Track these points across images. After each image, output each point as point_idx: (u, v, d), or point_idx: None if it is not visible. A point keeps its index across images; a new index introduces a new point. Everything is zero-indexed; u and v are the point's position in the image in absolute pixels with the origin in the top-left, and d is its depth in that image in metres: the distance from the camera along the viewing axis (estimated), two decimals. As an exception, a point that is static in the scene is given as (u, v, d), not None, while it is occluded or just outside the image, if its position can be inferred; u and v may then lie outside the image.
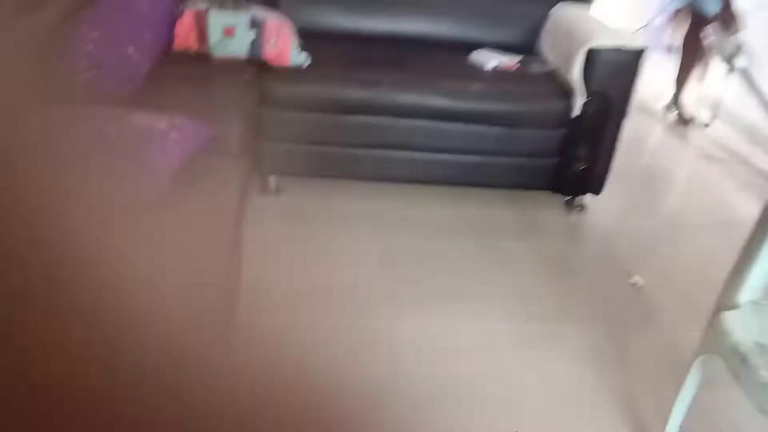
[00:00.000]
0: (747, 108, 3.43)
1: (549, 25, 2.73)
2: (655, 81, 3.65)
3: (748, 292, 1.26)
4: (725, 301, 1.29)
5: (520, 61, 2.60)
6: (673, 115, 3.67)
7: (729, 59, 3.08)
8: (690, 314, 2.04)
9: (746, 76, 3.13)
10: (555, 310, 2.00)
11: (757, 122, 3.35)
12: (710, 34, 3.19)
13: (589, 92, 2.33)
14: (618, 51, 2.28)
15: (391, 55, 2.54)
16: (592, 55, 2.30)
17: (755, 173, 3.09)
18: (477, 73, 2.50)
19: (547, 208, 2.58)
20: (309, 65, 2.31)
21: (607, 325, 1.96)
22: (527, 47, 2.80)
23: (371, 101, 2.32)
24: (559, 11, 2.71)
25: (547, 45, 2.71)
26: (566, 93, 2.38)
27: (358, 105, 2.31)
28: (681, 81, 3.67)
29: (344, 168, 2.46)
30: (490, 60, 2.56)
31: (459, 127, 2.39)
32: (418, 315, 1.92)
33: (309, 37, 2.39)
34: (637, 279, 2.16)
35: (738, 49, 3.05)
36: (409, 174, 2.49)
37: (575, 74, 2.32)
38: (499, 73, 2.52)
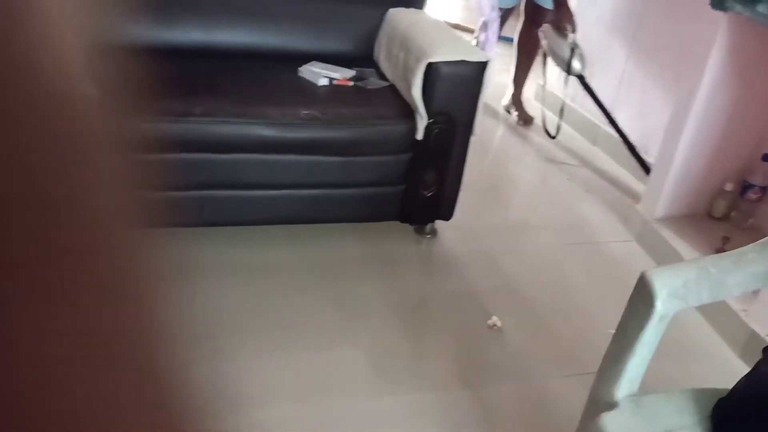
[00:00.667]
0: (587, 108, 3.43)
1: (383, 34, 2.47)
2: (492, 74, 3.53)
3: (626, 385, 1.07)
4: (601, 398, 1.10)
5: (354, 76, 2.32)
6: (514, 115, 3.59)
7: (565, 63, 3.01)
8: (553, 356, 1.89)
9: (582, 80, 3.09)
10: (413, 377, 1.75)
11: (597, 122, 3.35)
12: (545, 36, 3.11)
13: (432, 113, 2.10)
14: (459, 65, 2.07)
15: (204, 75, 2.14)
16: (431, 71, 2.07)
17: (598, 174, 3.07)
18: (307, 92, 2.18)
19: (398, 239, 2.34)
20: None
21: (471, 387, 1.75)
22: (363, 57, 2.52)
23: (181, 136, 1.92)
24: (393, 17, 2.46)
25: (382, 56, 2.45)
26: (408, 113, 2.13)
27: (166, 141, 1.90)
28: (519, 81, 3.60)
29: (162, 214, 2.03)
30: (321, 76, 2.25)
31: (291, 159, 2.06)
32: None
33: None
34: (495, 320, 1.98)
35: (573, 51, 2.98)
36: (240, 216, 2.13)
37: (415, 93, 2.08)
38: (332, 92, 2.22)
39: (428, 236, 2.38)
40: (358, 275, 2.14)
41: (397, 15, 2.46)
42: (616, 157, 3.18)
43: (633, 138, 3.09)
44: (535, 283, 2.22)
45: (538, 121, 3.54)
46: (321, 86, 2.23)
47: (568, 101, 3.60)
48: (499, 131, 3.48)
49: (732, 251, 1.13)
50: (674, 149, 2.31)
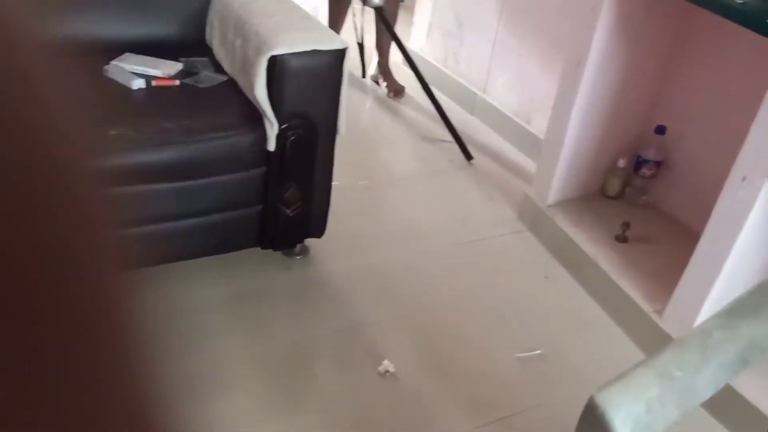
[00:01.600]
0: (460, 72, 3.12)
1: (214, 14, 1.98)
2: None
3: None
4: None
5: (181, 71, 1.84)
6: (383, 86, 3.22)
7: None
8: (457, 400, 1.60)
9: (381, 14, 2.72)
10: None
11: (474, 89, 3.06)
12: None
13: (284, 116, 1.68)
14: (311, 56, 1.65)
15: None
16: (277, 66, 1.64)
17: (480, 151, 2.79)
18: (117, 100, 1.68)
19: (262, 268, 1.93)
20: None
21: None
22: (192, 43, 2.03)
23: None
24: (225, -9, 1.98)
25: (216, 41, 1.98)
26: (255, 117, 1.70)
27: None
28: (382, 46, 3.22)
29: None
30: (135, 75, 1.75)
31: (118, 192, 1.58)
32: None
33: None
34: (387, 365, 1.65)
35: None
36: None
37: (259, 94, 1.65)
38: (152, 98, 1.73)
39: (298, 257, 1.99)
40: (214, 325, 1.72)
41: (229, -12, 1.97)
42: (498, 129, 2.91)
43: (512, 106, 2.83)
44: (428, 302, 1.91)
45: (409, 88, 3.20)
46: (136, 90, 1.73)
47: (440, 66, 3.28)
48: (367, 107, 3.10)
49: (691, 335, 0.84)
50: (564, 129, 2.05)
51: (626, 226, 2.02)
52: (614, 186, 2.21)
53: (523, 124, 2.76)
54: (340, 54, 1.69)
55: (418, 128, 2.93)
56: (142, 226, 1.65)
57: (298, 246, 1.97)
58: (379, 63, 3.22)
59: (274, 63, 1.63)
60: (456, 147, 2.73)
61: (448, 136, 2.81)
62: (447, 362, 1.72)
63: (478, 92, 3.02)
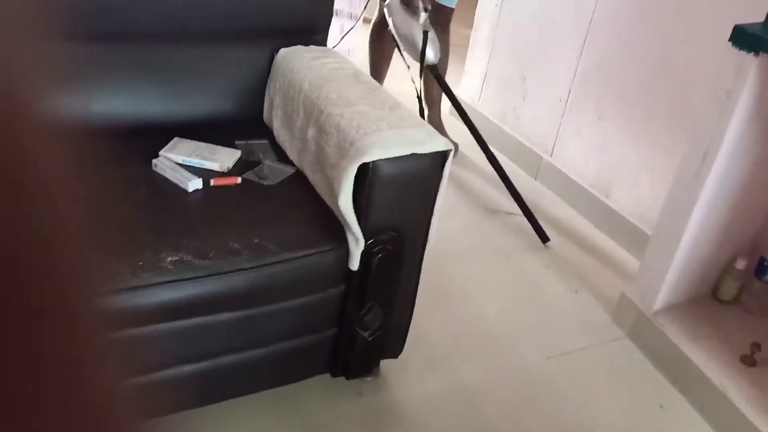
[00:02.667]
0: (523, 132, 2.81)
1: (274, 89, 1.68)
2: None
3: None
4: None
5: (240, 161, 1.54)
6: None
7: (418, 51, 2.30)
8: None
9: (436, 73, 2.43)
10: None
11: (538, 150, 2.76)
12: (389, 13, 2.41)
13: (370, 230, 1.37)
14: (408, 161, 1.35)
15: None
16: (366, 172, 1.33)
17: (552, 226, 2.48)
18: (171, 209, 1.37)
19: (329, 395, 1.62)
20: None
21: None
22: (247, 121, 1.74)
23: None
24: (286, 62, 1.67)
25: (277, 120, 1.67)
26: (334, 228, 1.39)
27: None
28: (432, 99, 2.92)
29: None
30: (191, 174, 1.44)
31: (165, 327, 1.27)
32: None
33: None
34: None
35: (426, 35, 2.30)
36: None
37: (343, 204, 1.34)
38: (211, 205, 1.42)
39: (369, 379, 1.68)
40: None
41: (292, 59, 1.67)
42: (568, 198, 2.61)
43: (588, 176, 2.53)
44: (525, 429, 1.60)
45: (454, 137, 2.90)
46: (192, 192, 1.43)
47: (496, 121, 2.98)
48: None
49: None
50: (682, 227, 1.75)
51: (756, 347, 1.71)
52: (730, 290, 1.91)
53: (601, 197, 2.45)
54: (442, 156, 1.38)
55: (478, 196, 2.62)
56: (192, 364, 1.34)
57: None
58: (429, 117, 2.92)
59: (364, 169, 1.32)
60: (525, 221, 2.43)
61: (515, 208, 2.51)
62: None
63: (543, 155, 2.72)
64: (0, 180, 0.17)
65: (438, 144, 1.36)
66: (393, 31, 2.39)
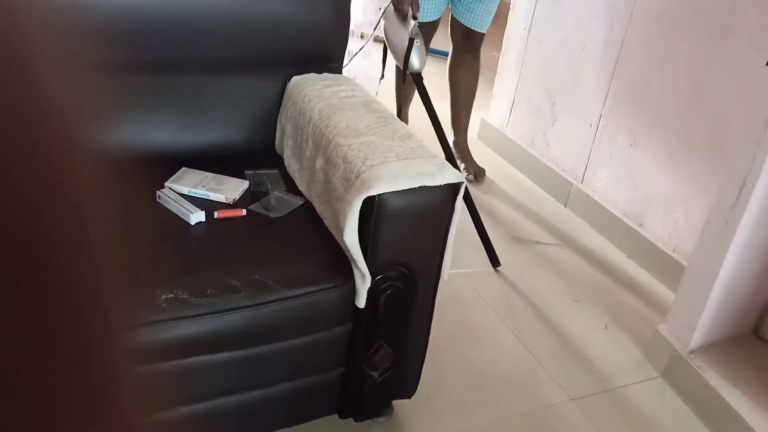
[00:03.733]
0: (552, 157, 2.71)
1: (285, 117, 1.64)
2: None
3: None
4: None
5: (247, 191, 1.50)
6: (461, 168, 2.84)
7: (402, 57, 2.21)
8: None
9: (418, 82, 2.30)
10: None
11: (568, 177, 2.65)
12: (385, 18, 2.33)
13: (378, 266, 1.31)
14: (417, 194, 1.28)
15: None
16: (373, 205, 1.26)
17: (583, 258, 2.37)
18: (172, 243, 1.33)
19: (337, 437, 1.54)
20: None
21: None
22: (258, 150, 1.70)
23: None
24: (297, 90, 1.63)
25: (288, 150, 1.63)
26: (341, 263, 1.33)
27: None
28: (459, 124, 2.86)
29: None
30: (194, 206, 1.40)
31: (159, 368, 1.22)
32: None
33: None
34: None
35: (412, 42, 2.20)
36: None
37: (349, 239, 1.27)
38: (214, 238, 1.38)
39: (381, 420, 1.59)
40: None
41: (304, 87, 1.63)
42: (599, 227, 2.50)
43: (620, 204, 2.41)
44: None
45: (481, 161, 2.82)
46: (195, 225, 1.38)
47: (525, 146, 2.89)
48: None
49: None
50: (719, 260, 1.63)
51: (804, 392, 1.57)
52: (774, 328, 1.77)
53: (635, 226, 2.33)
54: (454, 189, 1.31)
55: (505, 224, 2.53)
56: (187, 405, 1.29)
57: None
58: (455, 143, 2.85)
59: (370, 202, 1.26)
60: (552, 249, 2.32)
61: (544, 237, 2.41)
62: None
63: (573, 182, 2.62)
64: (31, 201, 0.18)
65: (449, 176, 1.29)
66: (384, 36, 2.35)
